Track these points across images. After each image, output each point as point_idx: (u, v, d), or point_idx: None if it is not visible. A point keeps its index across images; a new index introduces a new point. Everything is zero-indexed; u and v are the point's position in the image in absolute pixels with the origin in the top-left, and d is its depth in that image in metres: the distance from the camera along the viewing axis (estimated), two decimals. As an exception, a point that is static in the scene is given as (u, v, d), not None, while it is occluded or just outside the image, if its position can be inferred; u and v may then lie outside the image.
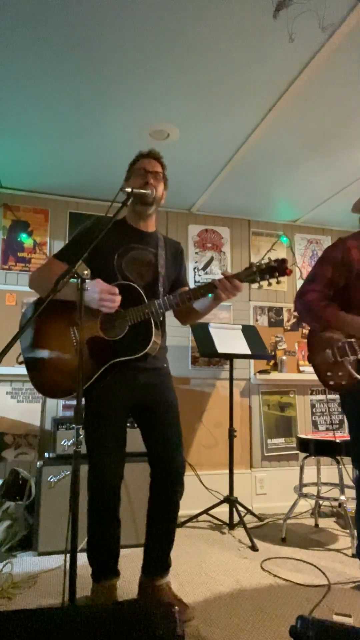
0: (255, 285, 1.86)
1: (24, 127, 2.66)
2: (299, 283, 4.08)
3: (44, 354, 1.99)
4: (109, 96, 2.38)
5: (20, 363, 2.02)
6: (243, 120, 2.58)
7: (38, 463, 2.78)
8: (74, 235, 2.08)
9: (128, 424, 2.05)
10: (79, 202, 3.64)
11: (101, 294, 1.81)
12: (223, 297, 1.86)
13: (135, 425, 2.08)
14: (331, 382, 2.19)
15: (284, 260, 1.78)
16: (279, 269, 1.78)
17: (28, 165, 3.13)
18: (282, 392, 3.87)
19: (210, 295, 1.90)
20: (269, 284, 1.82)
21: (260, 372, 3.77)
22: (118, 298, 1.84)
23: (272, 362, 3.86)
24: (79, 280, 1.64)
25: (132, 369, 1.95)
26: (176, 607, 1.28)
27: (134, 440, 2.07)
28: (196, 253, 3.86)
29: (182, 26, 1.92)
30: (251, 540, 2.83)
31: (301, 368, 3.93)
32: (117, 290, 1.85)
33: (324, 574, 2.42)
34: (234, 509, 3.13)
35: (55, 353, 1.96)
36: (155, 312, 1.87)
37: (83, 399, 1.99)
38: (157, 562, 2.01)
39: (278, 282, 1.82)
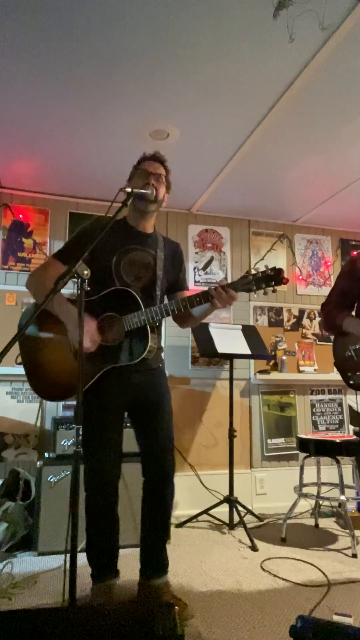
0: (251, 293, 1.86)
1: (24, 126, 2.66)
2: (299, 283, 4.08)
3: (41, 356, 2.00)
4: (109, 96, 2.38)
5: (19, 364, 2.02)
6: (243, 120, 2.58)
7: (38, 463, 2.78)
8: (74, 235, 2.08)
9: (127, 424, 2.06)
10: (79, 202, 3.63)
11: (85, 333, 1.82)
12: (219, 306, 1.86)
13: (128, 424, 2.09)
14: (351, 382, 2.37)
15: (280, 270, 1.78)
16: (275, 278, 1.77)
17: (28, 165, 3.12)
18: (282, 392, 3.87)
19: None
20: (265, 293, 1.82)
21: (260, 372, 3.77)
22: (94, 346, 1.87)
23: (272, 362, 3.86)
24: (79, 280, 1.63)
25: (126, 371, 1.95)
26: (176, 607, 1.28)
27: (135, 440, 2.07)
28: (196, 253, 3.86)
29: (182, 26, 1.92)
30: (251, 540, 2.83)
31: (301, 368, 3.93)
32: (98, 340, 1.88)
33: (324, 574, 2.42)
34: (234, 509, 3.12)
35: (53, 356, 1.97)
36: (152, 319, 1.87)
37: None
38: (154, 562, 2.02)
39: (274, 291, 1.82)
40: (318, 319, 4.09)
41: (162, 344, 2.16)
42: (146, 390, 2.02)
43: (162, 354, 2.16)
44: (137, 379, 1.99)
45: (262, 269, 1.80)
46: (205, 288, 1.89)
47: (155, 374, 2.07)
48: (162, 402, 2.05)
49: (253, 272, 1.81)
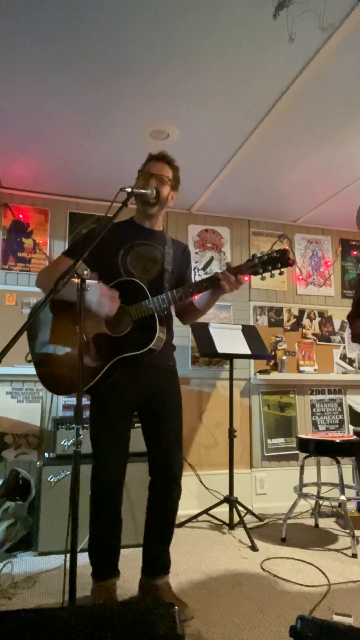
0: (257, 277, 1.85)
1: (24, 127, 2.66)
2: (299, 283, 4.08)
3: (50, 350, 2.00)
4: (110, 96, 2.37)
5: (29, 362, 2.02)
6: (243, 120, 2.58)
7: (38, 463, 2.79)
8: (85, 233, 2.08)
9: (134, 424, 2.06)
10: (79, 202, 3.63)
11: (101, 297, 1.81)
12: (226, 289, 1.85)
13: (136, 424, 2.09)
14: None
15: (285, 251, 1.77)
16: (281, 259, 1.77)
17: (28, 165, 3.12)
18: (282, 392, 3.87)
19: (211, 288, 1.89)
20: (272, 275, 1.81)
21: (260, 372, 3.77)
22: (116, 303, 1.84)
23: (272, 362, 3.86)
24: (79, 280, 1.64)
25: (138, 366, 1.95)
26: (176, 607, 1.28)
27: (134, 440, 2.07)
28: (196, 253, 3.86)
29: (182, 26, 1.92)
30: (251, 540, 2.83)
31: (301, 368, 3.93)
32: (117, 294, 1.85)
33: (324, 574, 2.42)
34: (234, 509, 3.13)
35: (62, 349, 1.97)
36: (159, 307, 1.87)
37: (88, 397, 2.00)
38: (155, 562, 2.01)
39: (281, 273, 1.80)
40: (318, 318, 4.09)
41: (173, 341, 2.15)
42: (158, 391, 2.02)
43: (174, 353, 2.15)
44: (149, 379, 1.99)
45: (268, 252, 1.80)
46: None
47: (168, 373, 2.07)
48: (173, 403, 2.05)
49: (259, 254, 1.81)
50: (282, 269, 1.78)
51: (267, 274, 1.81)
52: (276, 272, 1.79)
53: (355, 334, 2.42)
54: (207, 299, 1.99)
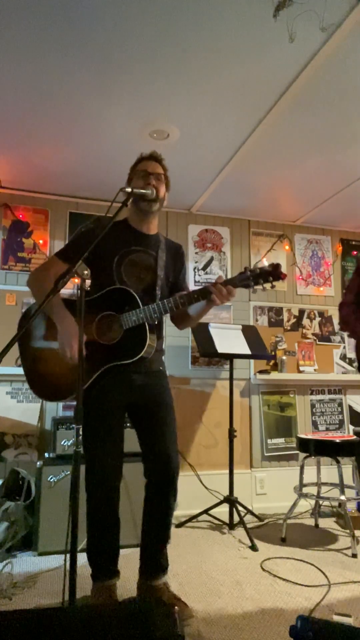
0: (251, 290, 1.86)
1: (24, 127, 2.66)
2: (299, 283, 4.08)
3: (40, 356, 2.00)
4: (109, 96, 2.38)
5: (19, 365, 2.02)
6: (243, 120, 2.58)
7: (38, 463, 2.78)
8: (75, 235, 2.08)
9: (127, 424, 2.05)
10: (79, 202, 3.64)
11: (68, 342, 1.84)
12: (217, 302, 1.86)
13: (128, 424, 2.09)
14: None
15: (278, 265, 1.78)
16: (273, 274, 1.77)
17: (28, 165, 3.12)
18: (282, 392, 3.87)
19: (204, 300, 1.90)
20: (263, 289, 1.82)
21: (260, 372, 3.77)
22: (74, 355, 1.85)
23: (272, 362, 3.86)
24: (79, 280, 1.64)
25: (127, 372, 1.95)
26: (176, 607, 1.28)
27: (135, 440, 2.07)
28: (196, 253, 3.86)
29: (182, 26, 1.92)
30: (251, 540, 2.83)
31: (301, 368, 3.93)
32: (77, 347, 1.83)
33: (324, 574, 2.42)
34: (234, 509, 3.13)
35: (52, 356, 1.97)
36: (150, 316, 1.87)
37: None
38: (152, 562, 2.01)
39: (272, 287, 1.82)
40: (318, 318, 4.09)
41: (163, 346, 2.16)
42: (148, 391, 2.01)
43: (163, 357, 2.15)
44: (138, 381, 1.99)
45: (261, 265, 1.81)
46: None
47: (157, 376, 2.06)
48: (165, 403, 2.05)
49: (251, 268, 1.82)
50: (274, 283, 1.80)
51: (258, 287, 1.82)
52: (268, 285, 1.80)
53: (352, 331, 2.38)
54: (200, 308, 1.99)
